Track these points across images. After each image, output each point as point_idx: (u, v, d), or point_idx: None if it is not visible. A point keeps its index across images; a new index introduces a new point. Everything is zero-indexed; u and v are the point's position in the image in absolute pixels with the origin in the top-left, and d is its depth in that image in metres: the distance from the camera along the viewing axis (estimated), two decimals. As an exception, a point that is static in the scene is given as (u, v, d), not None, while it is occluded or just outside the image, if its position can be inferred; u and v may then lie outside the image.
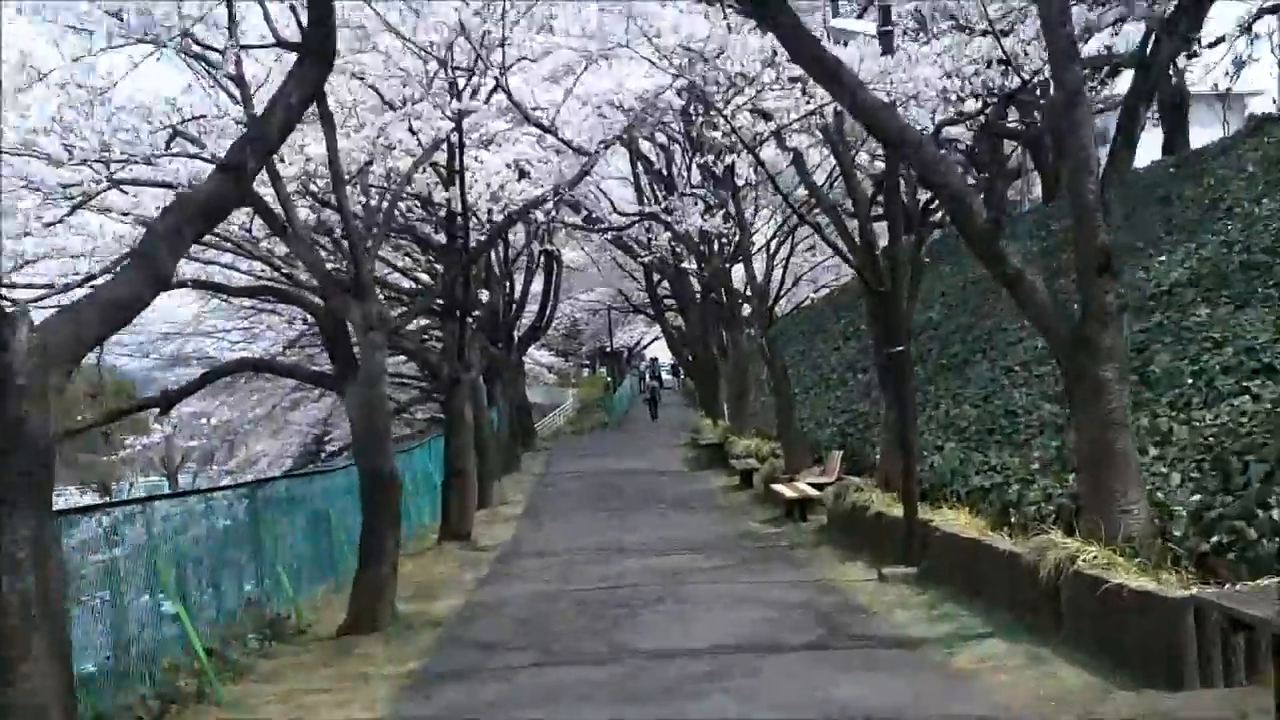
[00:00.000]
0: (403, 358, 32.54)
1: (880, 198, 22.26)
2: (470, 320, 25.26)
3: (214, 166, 10.61)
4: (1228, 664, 9.22)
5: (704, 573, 18.40)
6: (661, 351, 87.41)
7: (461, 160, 21.43)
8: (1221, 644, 9.21)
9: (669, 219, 28.75)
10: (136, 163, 16.19)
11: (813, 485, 24.15)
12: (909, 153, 13.55)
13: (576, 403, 69.67)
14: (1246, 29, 26.74)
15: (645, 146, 38.19)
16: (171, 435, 52.18)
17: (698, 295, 42.87)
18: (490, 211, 24.92)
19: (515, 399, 44.30)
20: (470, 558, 22.45)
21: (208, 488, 23.93)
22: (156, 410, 18.87)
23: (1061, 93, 12.46)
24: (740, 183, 28.85)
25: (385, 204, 17.70)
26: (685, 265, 39.52)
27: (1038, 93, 40.03)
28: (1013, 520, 14.53)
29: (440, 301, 24.04)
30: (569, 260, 61.89)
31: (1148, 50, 13.32)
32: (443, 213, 23.65)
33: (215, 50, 15.23)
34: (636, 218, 31.87)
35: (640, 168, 39.84)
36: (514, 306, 43.47)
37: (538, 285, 47.52)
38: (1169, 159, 32.59)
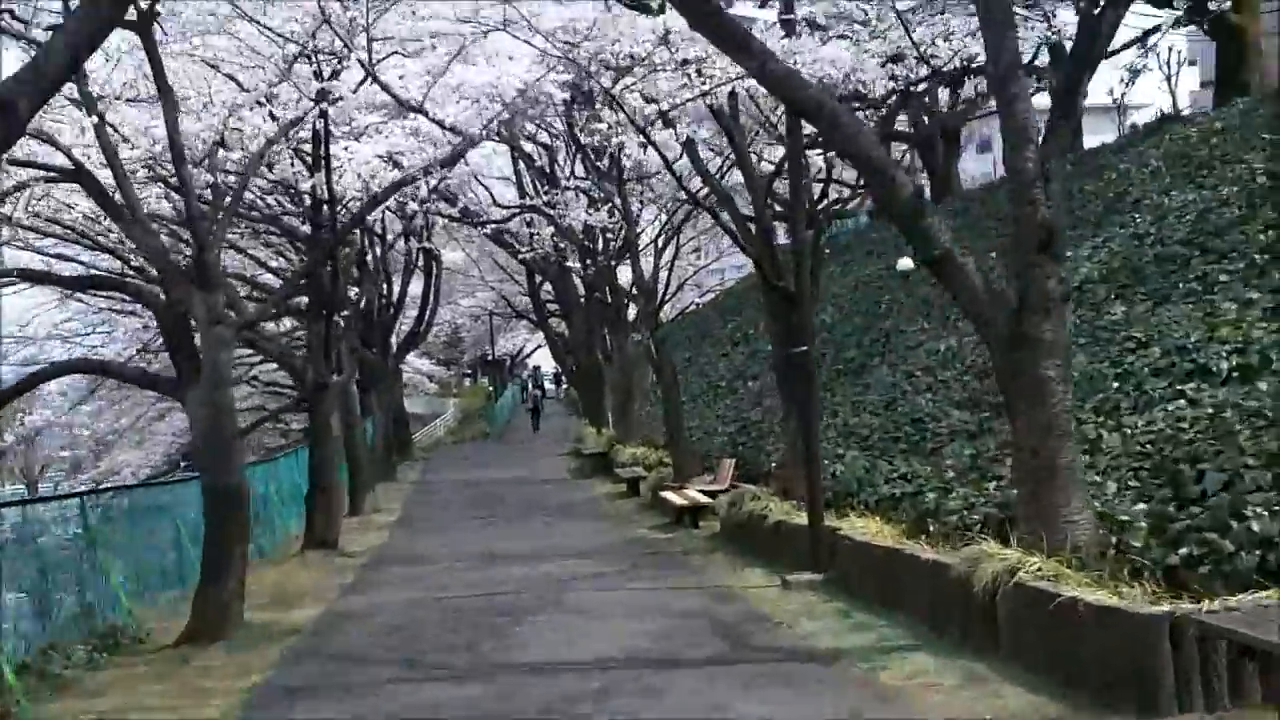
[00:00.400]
0: (274, 365, 30.88)
1: (776, 186, 20.99)
2: (339, 320, 23.53)
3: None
4: (1208, 685, 7.88)
5: (591, 579, 16.89)
6: (545, 360, 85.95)
7: (327, 145, 19.82)
8: (1201, 663, 7.88)
9: (552, 212, 27.22)
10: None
11: (704, 492, 22.80)
12: (824, 125, 12.12)
13: (458, 413, 67.66)
14: (1142, 40, 25.93)
15: (528, 147, 36.66)
16: (27, 444, 49.83)
17: (582, 297, 41.31)
18: (360, 203, 23.30)
19: (392, 407, 42.39)
20: (337, 565, 20.74)
21: (30, 498, 21.86)
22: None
23: (996, 65, 11.12)
24: (626, 176, 27.39)
25: (234, 182, 15.85)
26: (569, 264, 38.01)
27: (932, 93, 39.71)
28: (931, 529, 13.22)
29: (305, 299, 22.24)
30: (450, 262, 60.05)
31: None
32: (309, 201, 21.87)
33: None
34: (517, 210, 30.27)
35: (522, 165, 38.18)
36: (390, 308, 41.61)
37: (416, 288, 45.74)
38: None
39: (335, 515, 22.49)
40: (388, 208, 28.45)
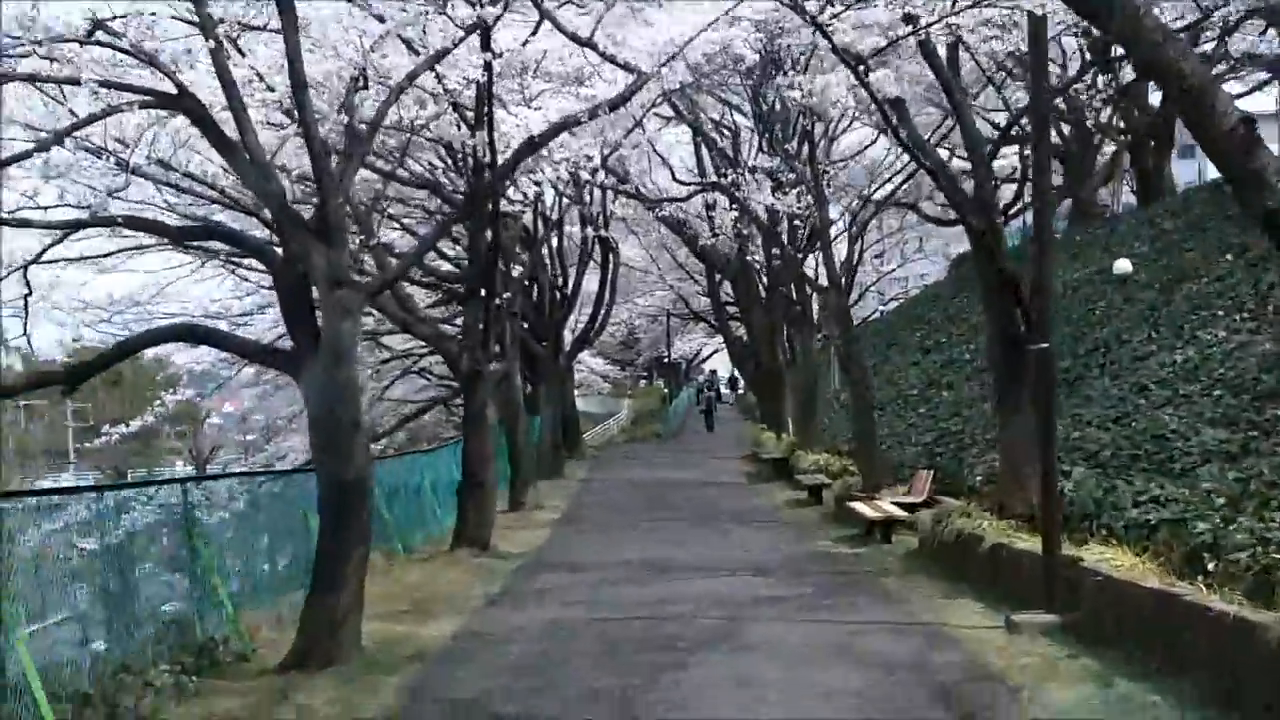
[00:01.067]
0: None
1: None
2: (500, 304, 21.12)
3: None
4: None
5: (774, 604, 14.10)
6: (722, 364, 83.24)
7: (490, 98, 17.30)
8: None
9: (736, 192, 24.48)
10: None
11: (898, 505, 19.92)
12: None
13: (631, 413, 65.24)
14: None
15: (709, 129, 33.91)
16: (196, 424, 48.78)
17: (763, 294, 38.39)
18: (529, 173, 20.89)
19: (563, 404, 40.09)
20: (486, 568, 18.30)
21: (110, 484, 19.55)
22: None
23: None
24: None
25: (371, 114, 13.29)
26: (751, 257, 35.24)
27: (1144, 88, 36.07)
28: (1211, 569, 10.20)
29: (461, 282, 19.83)
30: (627, 258, 57.89)
31: None
32: (470, 164, 19.46)
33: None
34: (697, 188, 27.41)
35: (703, 149, 35.40)
36: (563, 302, 39.40)
37: (592, 285, 43.48)
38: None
39: (488, 512, 20.06)
40: (558, 186, 26.10)
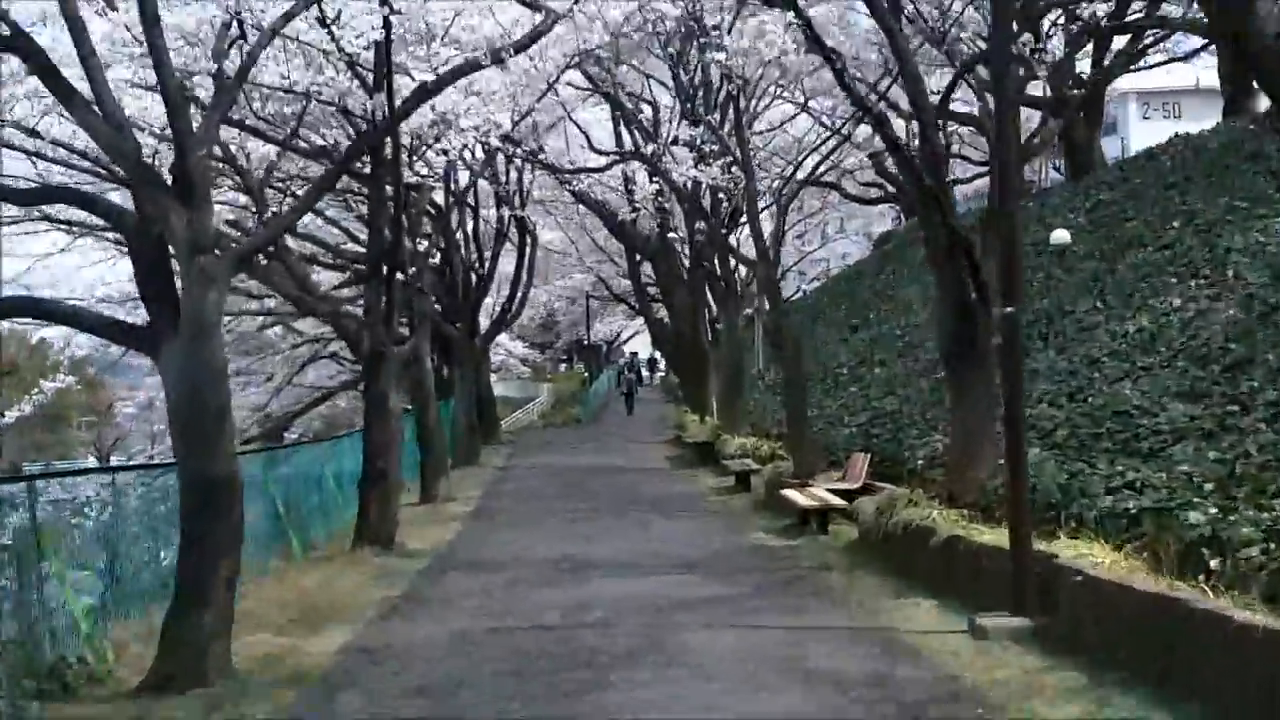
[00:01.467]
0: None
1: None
2: (406, 280, 19.41)
3: None
4: None
5: (704, 607, 12.52)
6: (643, 346, 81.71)
7: (389, 56, 15.61)
8: None
9: (657, 164, 22.90)
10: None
11: (834, 492, 18.46)
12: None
13: (550, 397, 63.38)
14: None
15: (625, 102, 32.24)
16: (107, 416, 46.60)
17: (685, 271, 36.75)
18: (434, 142, 19.22)
19: (479, 387, 38.27)
20: (389, 569, 16.55)
21: None
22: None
23: None
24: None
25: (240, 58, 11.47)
26: (673, 234, 33.65)
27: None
28: (1214, 567, 8.77)
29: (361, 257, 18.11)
30: (545, 241, 56.27)
31: None
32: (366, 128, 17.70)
33: None
34: (616, 158, 25.67)
35: (623, 122, 33.71)
36: (479, 284, 37.62)
37: (508, 267, 41.73)
38: None
39: (392, 506, 18.31)
40: (467, 159, 24.41)
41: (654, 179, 25.81)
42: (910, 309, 31.00)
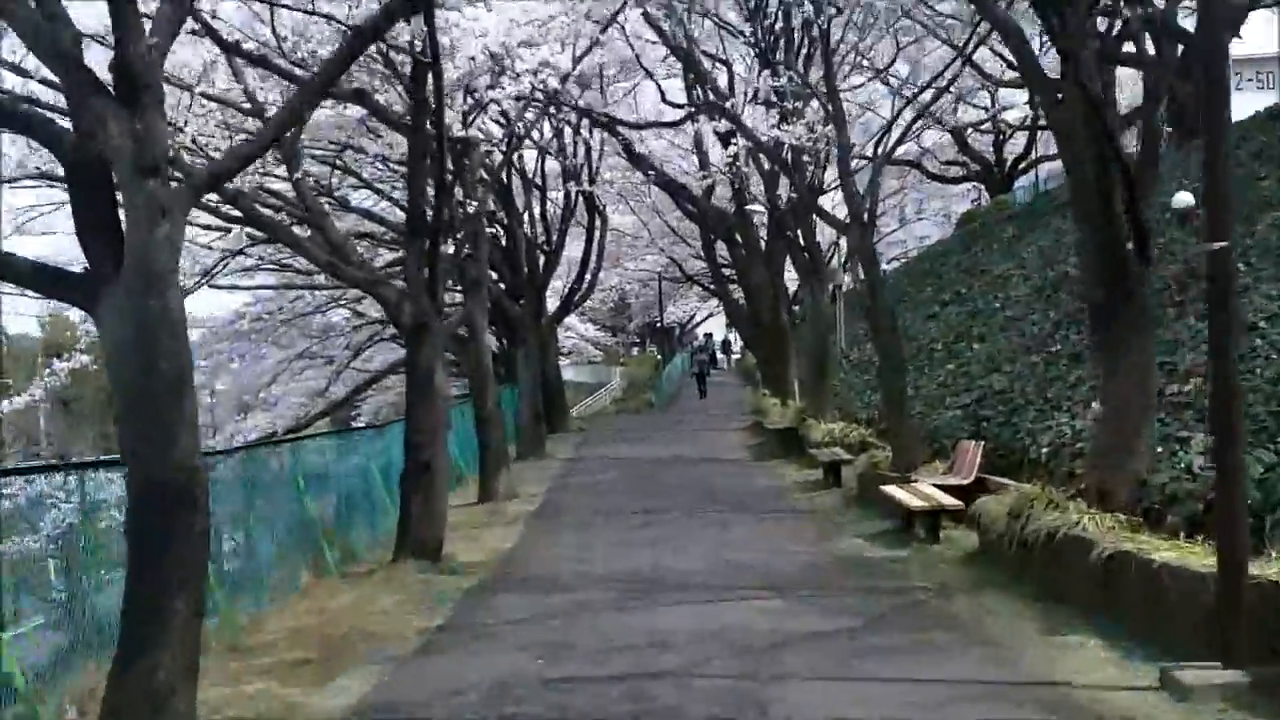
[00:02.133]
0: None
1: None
2: (455, 242, 16.93)
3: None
4: None
5: (808, 646, 9.96)
6: (718, 328, 79.10)
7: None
8: None
9: (737, 117, 20.23)
10: None
11: (943, 488, 15.81)
12: None
13: (623, 381, 60.72)
14: None
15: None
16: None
17: (763, 244, 33.97)
18: (486, 92, 16.74)
19: (545, 371, 35.81)
20: (434, 587, 14.12)
21: None
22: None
23: None
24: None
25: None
26: (750, 205, 30.92)
27: None
28: None
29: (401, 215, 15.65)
30: (617, 225, 53.92)
31: None
32: (409, 69, 15.19)
33: None
34: (692, 110, 22.88)
35: (697, 84, 31.03)
36: (545, 259, 35.26)
37: (578, 251, 39.41)
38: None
39: (438, 507, 15.79)
40: (529, 119, 21.88)
41: (732, 140, 23.05)
42: (1008, 281, 28.16)
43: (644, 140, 33.86)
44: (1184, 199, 22.62)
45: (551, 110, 23.58)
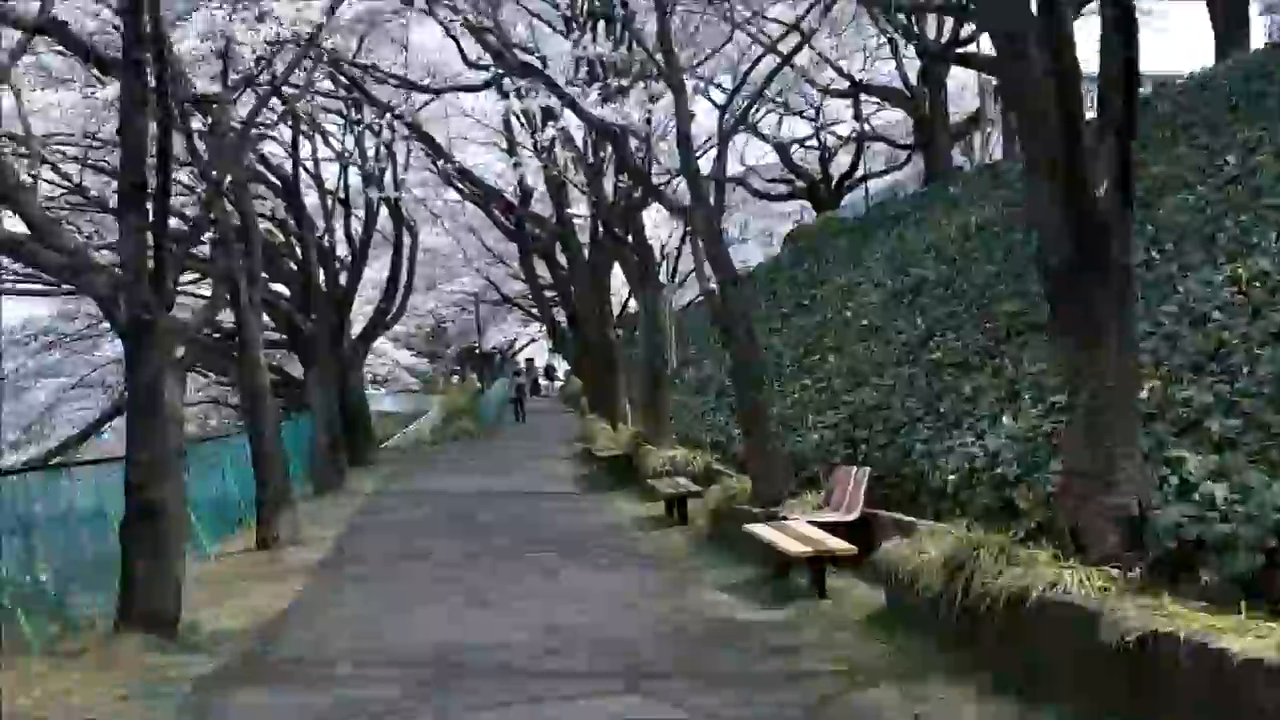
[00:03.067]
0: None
1: None
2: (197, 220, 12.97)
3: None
4: None
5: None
6: (540, 354, 75.37)
7: None
8: None
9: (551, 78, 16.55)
10: None
11: (824, 527, 12.43)
12: None
13: (441, 411, 56.23)
14: None
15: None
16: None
17: (587, 252, 30.29)
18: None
19: (348, 397, 31.59)
20: (160, 674, 10.16)
21: None
22: None
23: None
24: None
25: None
26: (572, 209, 27.39)
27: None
28: None
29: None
30: (432, 246, 50.15)
31: None
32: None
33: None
34: (498, 73, 18.85)
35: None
36: (343, 273, 31.26)
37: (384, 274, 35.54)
38: None
39: (169, 567, 11.66)
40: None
41: (550, 121, 19.33)
42: (855, 290, 25.10)
43: (451, 143, 30.36)
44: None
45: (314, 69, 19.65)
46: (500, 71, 17.79)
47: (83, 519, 13.97)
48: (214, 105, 13.94)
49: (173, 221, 13.35)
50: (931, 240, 24.66)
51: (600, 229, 25.60)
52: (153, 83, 11.14)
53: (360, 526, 20.30)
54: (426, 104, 30.47)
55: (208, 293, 25.58)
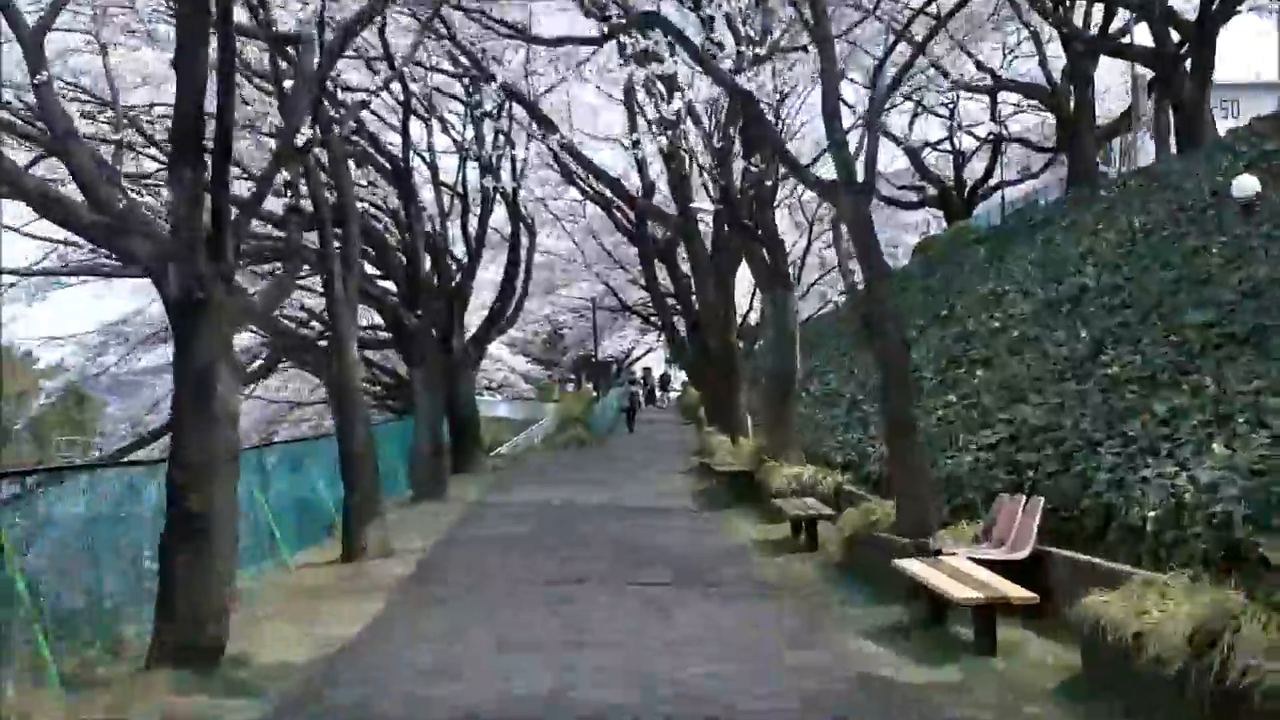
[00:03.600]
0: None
1: None
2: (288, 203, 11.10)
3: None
4: None
5: None
6: (658, 363, 73.45)
7: None
8: None
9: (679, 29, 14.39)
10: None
11: (986, 564, 10.26)
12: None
13: (555, 418, 54.35)
14: None
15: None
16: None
17: (710, 251, 28.04)
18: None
19: (457, 400, 29.81)
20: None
21: None
22: None
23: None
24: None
25: None
26: (697, 204, 25.25)
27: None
28: None
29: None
30: (550, 248, 48.58)
31: None
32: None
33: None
34: (619, 21, 16.45)
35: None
36: (459, 271, 29.55)
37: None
38: None
39: (213, 586, 9.72)
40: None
41: (675, 91, 17.14)
42: (1002, 299, 22.69)
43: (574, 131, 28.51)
44: (1246, 184, 17.23)
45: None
46: (621, 18, 15.56)
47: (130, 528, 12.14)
48: (296, 46, 12.07)
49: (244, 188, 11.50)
50: (1088, 246, 22.24)
51: (726, 224, 23.16)
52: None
53: (456, 539, 18.36)
54: (549, 90, 28.72)
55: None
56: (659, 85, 19.59)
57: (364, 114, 26.21)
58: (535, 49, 22.52)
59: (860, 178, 13.13)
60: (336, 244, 17.42)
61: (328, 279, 16.78)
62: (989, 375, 18.10)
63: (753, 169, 19.10)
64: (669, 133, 19.44)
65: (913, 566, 10.78)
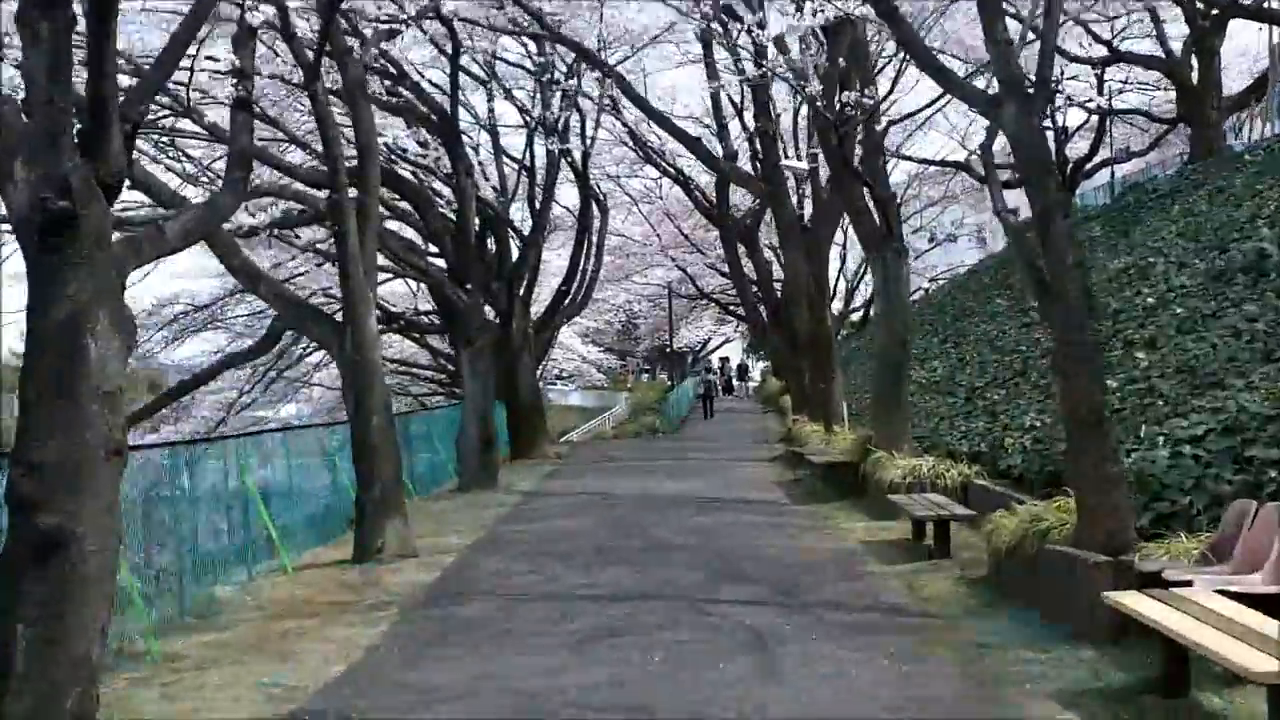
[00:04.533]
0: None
1: None
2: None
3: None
4: None
5: None
6: (735, 353, 69.79)
7: None
8: None
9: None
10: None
11: (1237, 598, 6.49)
12: None
13: (628, 406, 50.71)
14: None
15: None
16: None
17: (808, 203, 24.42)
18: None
19: (518, 386, 26.33)
20: None
21: None
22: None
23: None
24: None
25: None
26: (787, 161, 21.60)
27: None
28: None
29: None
30: (624, 232, 45.37)
31: None
32: None
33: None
34: None
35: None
36: (517, 245, 26.25)
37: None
38: None
39: (78, 642, 5.95)
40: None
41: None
42: (1148, 272, 18.87)
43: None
44: None
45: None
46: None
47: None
48: None
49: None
50: (1251, 211, 18.36)
51: (830, 170, 19.03)
52: None
53: (498, 538, 14.74)
54: (621, 61, 25.44)
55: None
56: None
57: (418, 78, 23.01)
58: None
59: (1032, 81, 9.35)
60: (352, 191, 14.04)
61: (340, 232, 13.37)
62: (1155, 357, 14.21)
63: (866, 98, 15.27)
64: (758, 62, 15.71)
65: (1140, 604, 6.98)
